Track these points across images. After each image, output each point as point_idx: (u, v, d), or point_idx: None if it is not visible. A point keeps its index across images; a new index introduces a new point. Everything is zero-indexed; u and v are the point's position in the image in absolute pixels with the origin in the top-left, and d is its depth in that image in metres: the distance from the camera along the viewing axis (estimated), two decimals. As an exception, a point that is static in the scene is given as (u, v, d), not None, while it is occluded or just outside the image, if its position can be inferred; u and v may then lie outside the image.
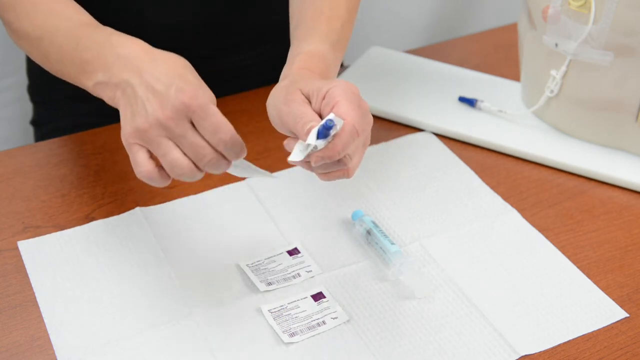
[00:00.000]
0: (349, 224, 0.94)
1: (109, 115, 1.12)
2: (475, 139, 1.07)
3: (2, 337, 0.80)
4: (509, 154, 1.06)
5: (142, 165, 0.74)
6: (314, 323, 0.82)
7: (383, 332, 0.81)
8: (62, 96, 1.22)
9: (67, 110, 1.22)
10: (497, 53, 1.28)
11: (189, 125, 0.73)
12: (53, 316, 0.82)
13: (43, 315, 0.82)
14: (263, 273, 0.87)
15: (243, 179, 0.99)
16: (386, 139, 1.07)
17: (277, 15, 1.15)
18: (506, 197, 0.99)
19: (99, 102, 1.19)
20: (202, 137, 0.73)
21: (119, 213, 0.94)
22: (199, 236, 0.92)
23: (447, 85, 1.16)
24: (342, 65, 1.34)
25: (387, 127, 1.10)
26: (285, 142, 0.75)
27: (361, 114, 0.74)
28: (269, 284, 0.86)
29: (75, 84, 0.84)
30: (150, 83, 0.73)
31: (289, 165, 0.98)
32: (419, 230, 0.93)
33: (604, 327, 0.83)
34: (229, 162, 0.75)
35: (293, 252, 0.90)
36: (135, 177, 0.99)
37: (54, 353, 0.78)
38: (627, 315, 0.84)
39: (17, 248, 0.89)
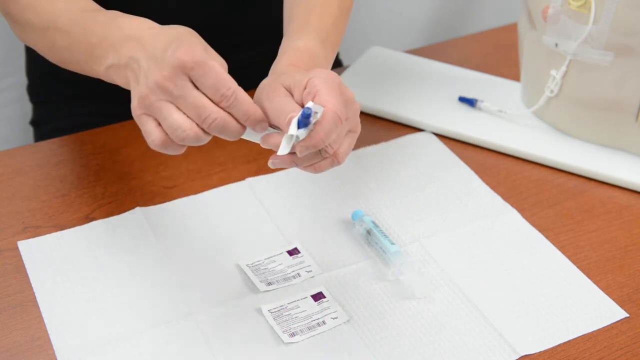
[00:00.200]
0: (349, 224, 0.94)
1: (109, 115, 1.12)
2: (475, 139, 1.07)
3: (2, 337, 0.80)
4: (509, 154, 1.06)
5: (151, 134, 0.72)
6: (314, 323, 0.82)
7: (383, 332, 0.81)
8: (61, 96, 1.22)
9: (67, 110, 1.21)
10: (497, 53, 1.28)
11: (190, 85, 0.70)
12: (53, 316, 0.82)
13: (43, 315, 0.82)
14: (263, 273, 0.87)
15: (243, 178, 0.99)
16: (386, 139, 1.07)
17: (277, 15, 1.14)
18: (506, 197, 0.99)
19: (99, 102, 1.20)
20: (206, 95, 0.70)
21: (119, 213, 0.94)
22: (199, 236, 0.91)
23: (447, 85, 1.16)
24: (342, 65, 1.34)
25: (387, 127, 1.10)
26: (263, 139, 0.73)
27: (343, 101, 0.72)
28: (269, 284, 0.85)
29: (85, 72, 0.83)
30: (151, 52, 0.72)
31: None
32: (419, 230, 0.93)
33: (604, 327, 0.83)
34: (241, 125, 0.72)
35: (293, 252, 0.90)
36: (135, 177, 0.99)
37: (54, 353, 0.78)
38: (627, 315, 0.84)
39: (17, 248, 0.89)
